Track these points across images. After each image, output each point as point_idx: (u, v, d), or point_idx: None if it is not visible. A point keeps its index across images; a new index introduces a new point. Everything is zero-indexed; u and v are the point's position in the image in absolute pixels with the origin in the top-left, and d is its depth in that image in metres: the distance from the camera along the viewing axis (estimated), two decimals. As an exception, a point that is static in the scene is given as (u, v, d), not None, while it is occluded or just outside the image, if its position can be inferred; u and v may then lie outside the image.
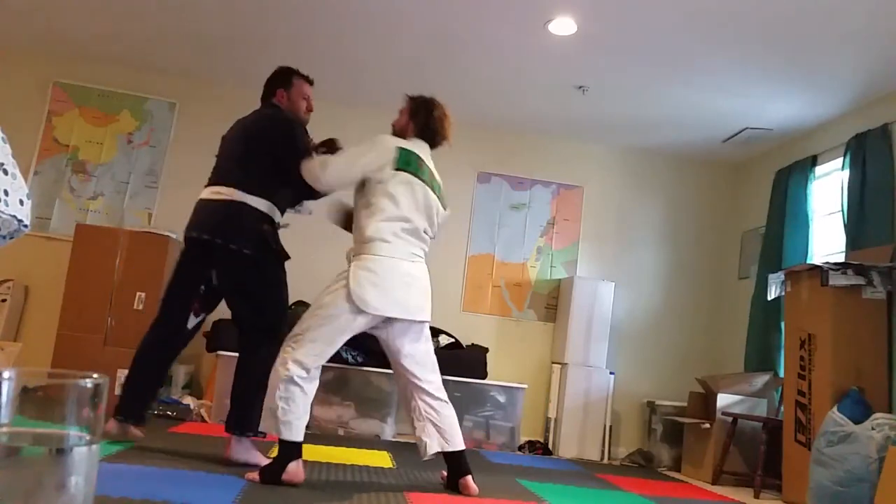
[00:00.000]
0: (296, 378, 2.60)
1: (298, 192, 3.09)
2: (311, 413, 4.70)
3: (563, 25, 3.87)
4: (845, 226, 4.18)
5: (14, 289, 4.82)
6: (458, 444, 2.83)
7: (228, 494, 2.31)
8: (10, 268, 4.79)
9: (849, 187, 4.20)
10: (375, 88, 5.09)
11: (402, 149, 2.79)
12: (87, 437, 0.72)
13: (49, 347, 4.43)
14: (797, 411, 3.78)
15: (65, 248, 4.69)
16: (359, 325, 2.69)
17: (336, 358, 4.62)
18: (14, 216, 1.21)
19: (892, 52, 3.73)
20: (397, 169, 2.74)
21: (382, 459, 3.58)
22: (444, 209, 2.97)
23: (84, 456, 0.71)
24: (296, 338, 2.67)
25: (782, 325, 4.35)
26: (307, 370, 2.63)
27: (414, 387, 2.82)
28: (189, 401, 4.47)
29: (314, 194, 3.07)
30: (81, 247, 4.58)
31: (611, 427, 5.10)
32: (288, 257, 3.02)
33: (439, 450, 2.78)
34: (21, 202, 1.23)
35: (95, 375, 0.73)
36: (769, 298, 4.31)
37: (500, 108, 5.22)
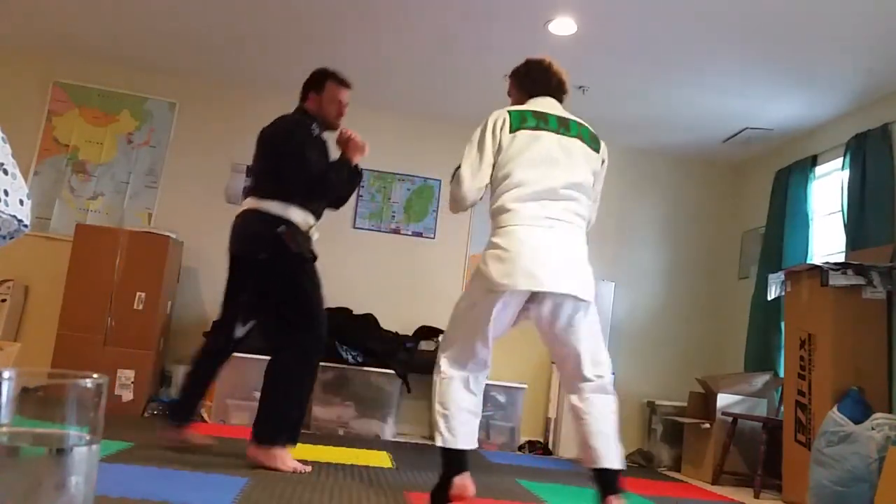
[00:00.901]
0: (444, 379, 2.39)
1: (320, 190, 3.06)
2: (310, 413, 4.69)
3: (563, 25, 3.87)
4: (845, 226, 4.18)
5: (14, 289, 4.82)
6: (598, 459, 2.28)
7: (228, 494, 2.31)
8: (10, 268, 4.79)
9: (849, 187, 4.20)
10: (375, 88, 5.08)
11: (512, 111, 2.50)
12: (87, 437, 0.72)
13: (49, 347, 4.43)
14: (797, 411, 3.78)
15: (65, 248, 4.69)
16: (498, 307, 2.32)
17: (336, 358, 4.65)
18: (14, 216, 1.21)
19: (893, 52, 3.73)
20: (513, 131, 2.43)
21: (382, 459, 3.58)
22: (597, 151, 2.53)
23: (84, 456, 0.71)
24: (444, 336, 2.51)
25: (782, 325, 4.34)
26: (457, 369, 2.38)
27: (565, 383, 2.47)
28: (189, 401, 4.47)
29: (331, 192, 3.08)
30: (81, 247, 4.58)
31: (611, 427, 5.10)
32: (313, 257, 3.01)
33: (582, 459, 2.33)
34: (21, 202, 1.23)
35: (95, 375, 0.73)
36: (769, 298, 4.31)
37: (501, 109, 5.21)
